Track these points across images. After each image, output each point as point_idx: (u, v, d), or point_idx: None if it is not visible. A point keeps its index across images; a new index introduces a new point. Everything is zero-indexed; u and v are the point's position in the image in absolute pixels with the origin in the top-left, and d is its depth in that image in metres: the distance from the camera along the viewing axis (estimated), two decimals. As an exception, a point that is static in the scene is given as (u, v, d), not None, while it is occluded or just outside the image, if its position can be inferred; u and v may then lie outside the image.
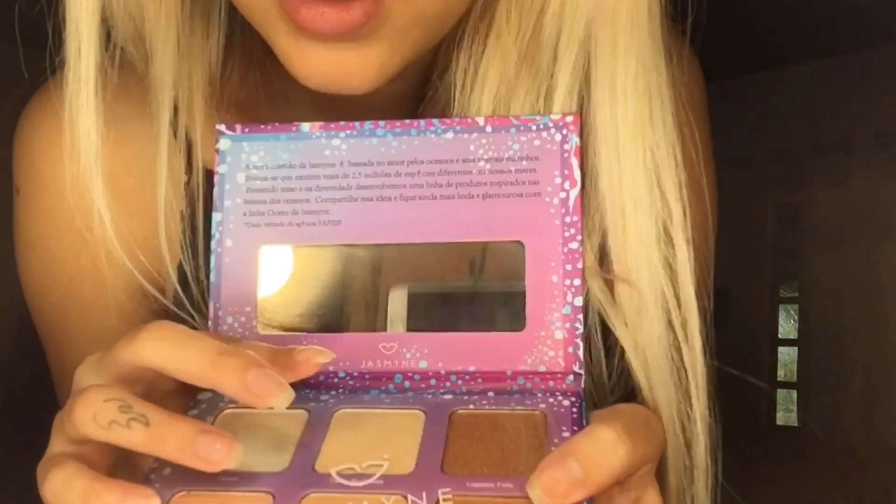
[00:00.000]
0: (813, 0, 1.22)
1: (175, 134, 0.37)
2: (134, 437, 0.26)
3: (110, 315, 0.37)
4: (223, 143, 0.35)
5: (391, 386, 0.32)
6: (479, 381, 0.31)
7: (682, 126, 0.35)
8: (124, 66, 0.36)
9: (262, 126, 0.35)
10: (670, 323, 0.35)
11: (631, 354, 0.35)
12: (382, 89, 0.34)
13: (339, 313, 0.33)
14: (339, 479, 0.28)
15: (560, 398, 0.30)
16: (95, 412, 0.26)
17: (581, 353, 0.31)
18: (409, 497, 0.27)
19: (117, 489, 0.26)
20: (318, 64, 0.32)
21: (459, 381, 0.32)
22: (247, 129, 0.35)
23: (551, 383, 0.31)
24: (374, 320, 0.33)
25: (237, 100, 0.39)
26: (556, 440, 0.29)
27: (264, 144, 0.35)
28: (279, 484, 0.28)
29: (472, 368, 0.32)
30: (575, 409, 0.31)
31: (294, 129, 0.35)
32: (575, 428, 0.29)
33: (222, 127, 0.35)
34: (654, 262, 0.34)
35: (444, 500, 0.27)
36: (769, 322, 1.74)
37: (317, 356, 0.30)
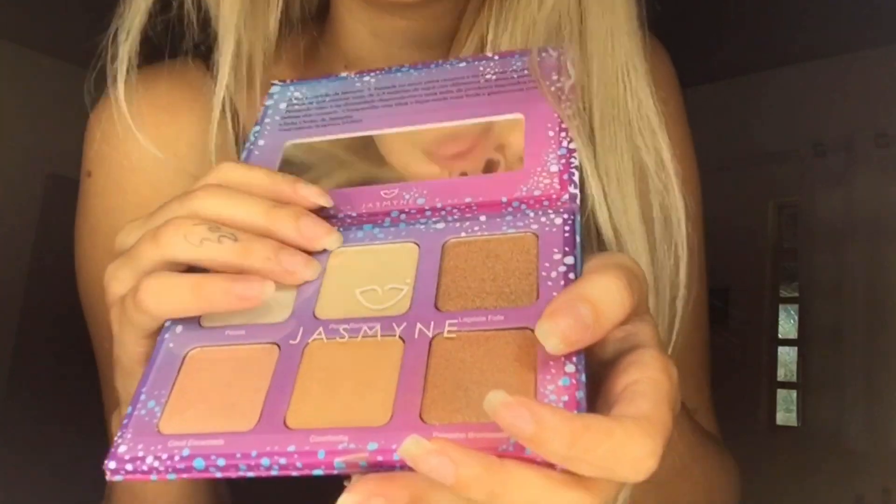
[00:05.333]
0: (813, 1, 1.22)
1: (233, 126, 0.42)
2: (224, 251, 0.28)
3: None
4: (274, 89, 0.39)
5: (386, 220, 0.32)
6: (474, 208, 0.31)
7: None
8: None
9: (308, 79, 0.39)
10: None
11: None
12: (424, 25, 0.40)
13: (348, 178, 0.36)
14: (338, 326, 0.29)
15: (552, 216, 0.30)
16: (186, 233, 0.28)
17: (577, 180, 0.31)
18: (405, 337, 0.28)
19: (226, 275, 0.28)
20: None
21: (455, 210, 0.32)
22: (295, 80, 0.40)
23: (546, 203, 0.31)
24: (381, 178, 0.36)
25: (290, 72, 0.44)
26: (546, 263, 0.28)
27: (307, 85, 0.39)
28: (283, 334, 0.29)
29: (468, 199, 0.31)
30: (567, 228, 0.29)
31: (333, 76, 0.40)
32: (567, 249, 0.29)
33: (276, 81, 0.39)
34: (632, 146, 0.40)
35: (450, 333, 0.28)
36: (769, 322, 1.75)
37: (318, 198, 0.31)
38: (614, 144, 0.40)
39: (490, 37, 0.42)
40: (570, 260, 0.28)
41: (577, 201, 0.30)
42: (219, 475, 0.26)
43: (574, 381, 0.25)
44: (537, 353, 0.26)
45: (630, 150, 0.40)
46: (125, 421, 0.27)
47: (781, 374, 1.69)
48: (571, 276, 0.28)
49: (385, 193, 0.33)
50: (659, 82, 0.44)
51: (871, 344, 1.51)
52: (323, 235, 0.30)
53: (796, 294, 1.65)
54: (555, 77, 0.36)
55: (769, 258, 1.73)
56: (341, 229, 0.31)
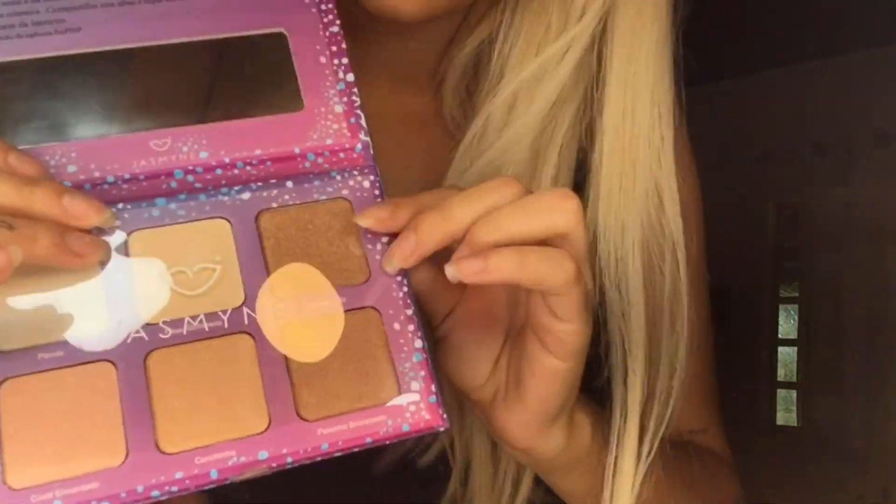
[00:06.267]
0: (814, 0, 1.22)
1: None
2: (1, 241, 0.23)
3: None
4: None
5: (173, 183, 0.28)
6: (269, 164, 0.29)
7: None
8: None
9: None
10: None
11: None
12: (421, 34, 0.38)
13: (94, 122, 0.28)
14: (169, 328, 0.26)
15: (359, 178, 0.29)
16: None
17: (363, 122, 0.30)
18: (252, 332, 0.26)
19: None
20: None
21: (248, 168, 0.28)
22: None
23: (342, 155, 0.29)
24: (136, 120, 0.29)
25: None
26: (368, 234, 0.29)
27: None
28: (113, 347, 0.25)
29: (258, 152, 0.29)
30: (377, 192, 0.29)
31: None
32: None
33: None
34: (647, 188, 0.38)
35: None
36: (769, 322, 1.74)
37: (98, 215, 0.26)
38: (620, 210, 0.38)
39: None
40: None
41: (371, 149, 0.30)
42: None
43: (424, 356, 0.27)
44: (386, 334, 0.27)
45: (638, 218, 0.38)
46: None
47: (781, 374, 1.69)
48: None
49: (156, 145, 0.28)
50: None
51: (871, 344, 1.51)
52: (92, 214, 0.25)
53: (796, 294, 1.65)
54: None
55: (769, 258, 1.73)
56: (129, 207, 0.27)
